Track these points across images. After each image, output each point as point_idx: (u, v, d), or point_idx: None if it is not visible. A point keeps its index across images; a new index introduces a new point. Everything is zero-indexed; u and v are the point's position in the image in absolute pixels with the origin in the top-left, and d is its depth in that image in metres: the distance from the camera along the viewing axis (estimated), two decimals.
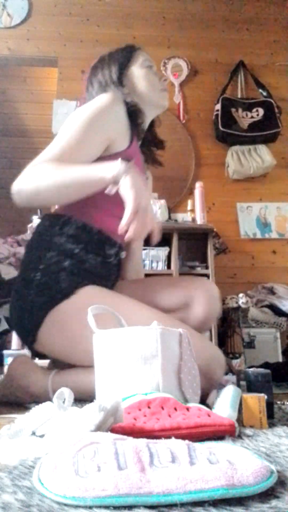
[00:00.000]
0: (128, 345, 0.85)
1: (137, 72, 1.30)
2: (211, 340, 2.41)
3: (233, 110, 3.10)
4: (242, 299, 2.51)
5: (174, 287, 1.24)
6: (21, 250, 3.78)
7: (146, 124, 1.34)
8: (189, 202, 2.85)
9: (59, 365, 1.19)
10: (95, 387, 0.88)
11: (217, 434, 0.66)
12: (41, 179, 1.02)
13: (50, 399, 1.08)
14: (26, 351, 2.21)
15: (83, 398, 0.94)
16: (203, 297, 1.18)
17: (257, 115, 3.11)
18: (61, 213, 1.23)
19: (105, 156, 1.15)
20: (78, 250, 1.16)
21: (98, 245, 1.20)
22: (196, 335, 1.05)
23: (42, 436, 0.66)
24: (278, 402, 1.05)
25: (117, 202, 0.99)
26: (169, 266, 2.71)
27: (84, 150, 1.11)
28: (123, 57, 1.32)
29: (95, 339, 0.91)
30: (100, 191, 1.02)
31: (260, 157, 3.07)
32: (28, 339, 1.16)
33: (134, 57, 1.32)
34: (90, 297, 1.09)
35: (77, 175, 1.01)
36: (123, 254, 1.31)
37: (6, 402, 1.14)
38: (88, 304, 0.94)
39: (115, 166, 0.98)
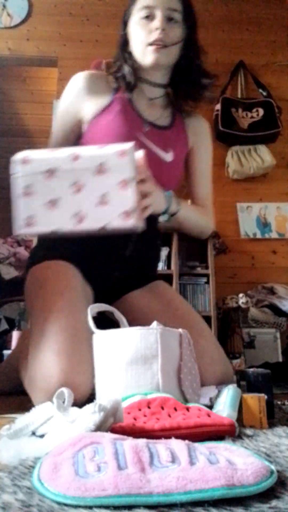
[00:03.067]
0: (128, 345, 0.85)
1: (131, 28, 1.20)
2: None
3: (233, 110, 3.10)
4: (242, 299, 2.51)
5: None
6: (21, 250, 3.78)
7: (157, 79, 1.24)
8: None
9: None
10: None
11: (217, 434, 0.66)
12: None
13: None
14: None
15: None
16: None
17: (257, 115, 3.11)
18: None
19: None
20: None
21: None
22: None
23: (42, 436, 0.66)
24: (279, 403, 1.05)
25: None
26: (169, 266, 2.72)
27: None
28: (125, 14, 1.23)
29: (95, 339, 0.91)
30: None
31: (260, 157, 3.07)
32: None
33: (132, 9, 1.20)
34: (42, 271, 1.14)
35: None
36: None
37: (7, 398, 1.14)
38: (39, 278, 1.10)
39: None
